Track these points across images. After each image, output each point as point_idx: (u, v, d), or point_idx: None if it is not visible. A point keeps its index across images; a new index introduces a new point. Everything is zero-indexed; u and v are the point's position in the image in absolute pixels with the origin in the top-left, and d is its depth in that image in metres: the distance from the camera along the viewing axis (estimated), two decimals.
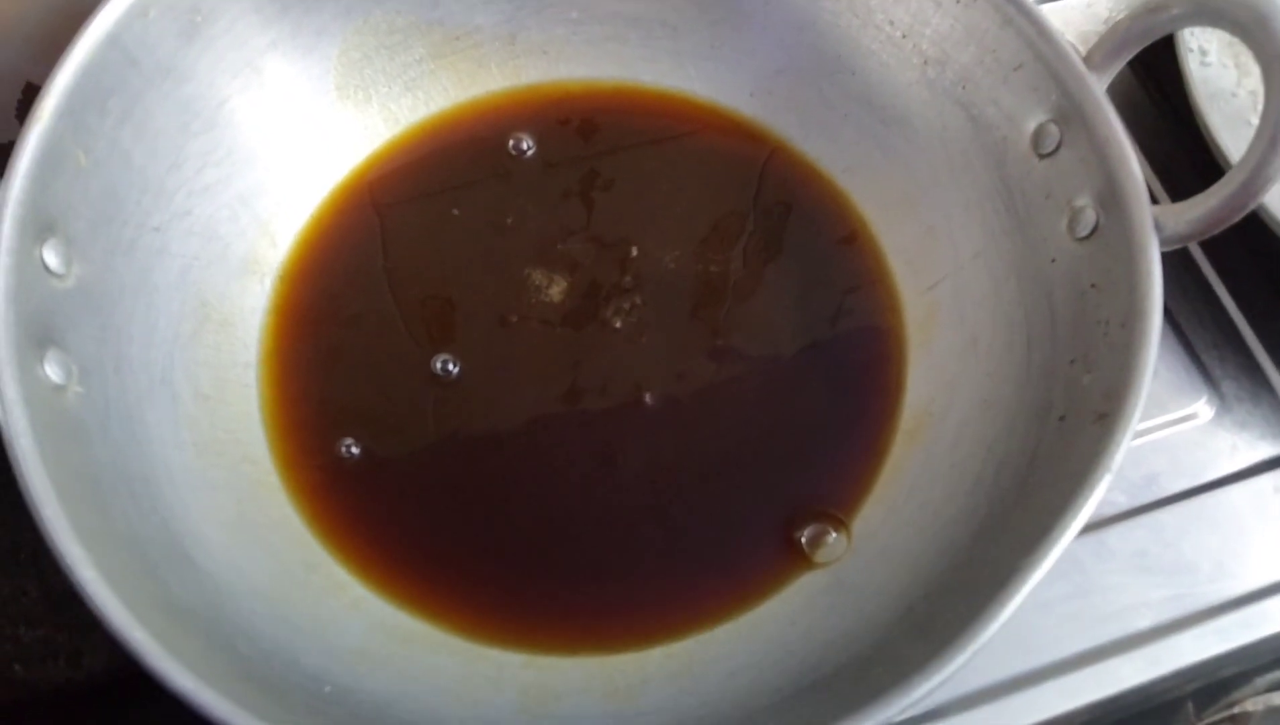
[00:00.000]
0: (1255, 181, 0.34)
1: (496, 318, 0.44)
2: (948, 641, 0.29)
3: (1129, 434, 0.32)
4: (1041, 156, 0.40)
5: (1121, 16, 0.39)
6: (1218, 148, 0.49)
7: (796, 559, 0.40)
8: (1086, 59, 0.39)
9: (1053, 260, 0.39)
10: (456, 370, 0.43)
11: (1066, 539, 0.30)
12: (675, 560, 0.40)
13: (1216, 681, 0.46)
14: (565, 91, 0.48)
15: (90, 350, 0.35)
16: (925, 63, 0.44)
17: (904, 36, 0.44)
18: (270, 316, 0.43)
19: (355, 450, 0.41)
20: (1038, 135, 0.40)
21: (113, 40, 0.37)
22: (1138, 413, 0.33)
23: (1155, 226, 0.36)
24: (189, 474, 0.37)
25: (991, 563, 0.32)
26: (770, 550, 0.40)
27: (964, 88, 0.42)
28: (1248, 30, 0.35)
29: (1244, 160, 0.35)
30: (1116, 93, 0.56)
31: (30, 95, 0.48)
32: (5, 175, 0.34)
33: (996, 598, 0.29)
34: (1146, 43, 0.38)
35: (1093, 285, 0.37)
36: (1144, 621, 0.44)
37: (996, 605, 0.29)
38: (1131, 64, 0.57)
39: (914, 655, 0.29)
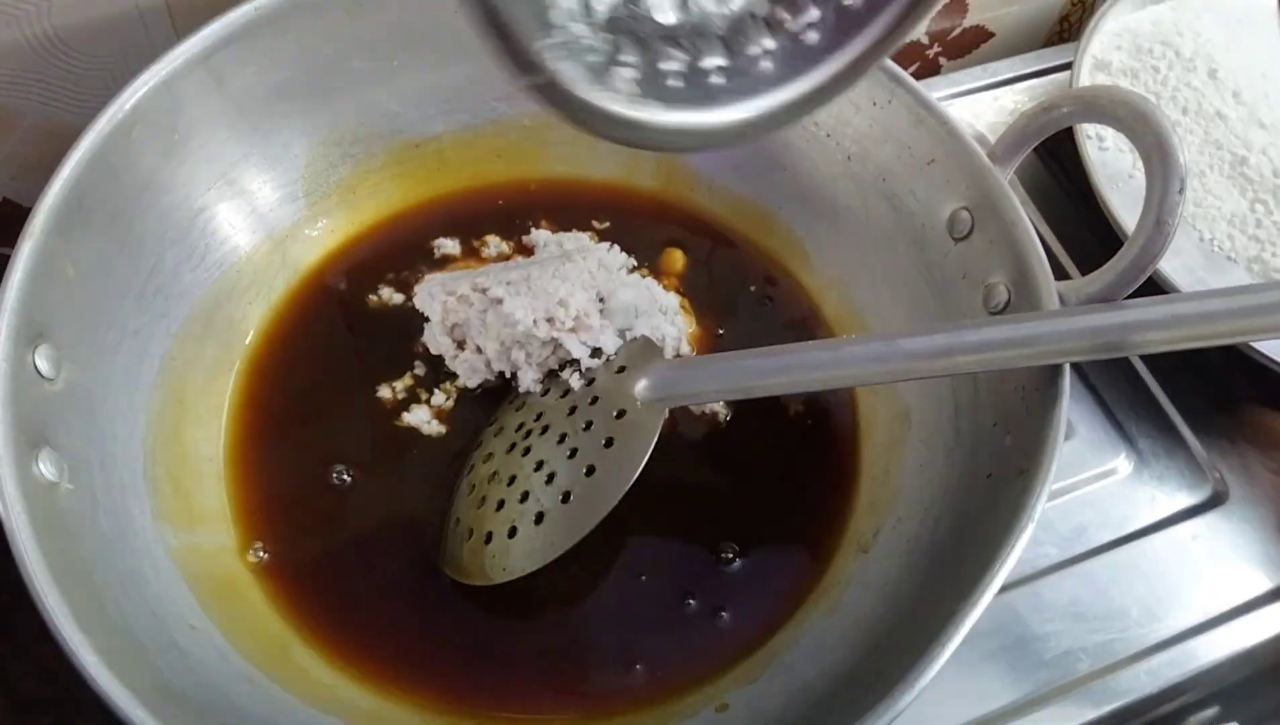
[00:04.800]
0: (1144, 257, 0.39)
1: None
2: (896, 685, 0.32)
3: (1048, 485, 0.35)
4: (957, 240, 0.44)
5: (1019, 116, 0.43)
6: (1117, 224, 0.54)
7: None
8: (991, 153, 0.43)
9: None
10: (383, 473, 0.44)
11: (996, 584, 0.33)
12: (640, 644, 0.42)
13: (1153, 720, 0.49)
14: (522, 186, 0.52)
15: (79, 448, 0.37)
16: (848, 158, 0.48)
17: (828, 136, 0.48)
18: (230, 412, 0.45)
19: (308, 545, 0.42)
20: (952, 221, 0.44)
21: (99, 158, 0.39)
22: (1054, 466, 0.36)
23: (1059, 299, 0.40)
24: (172, 566, 0.39)
25: (933, 612, 0.34)
26: (738, 626, 0.42)
27: (884, 180, 0.47)
28: (1128, 125, 0.39)
29: (1133, 238, 0.39)
30: (1027, 178, 0.62)
31: (7, 210, 0.50)
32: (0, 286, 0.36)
33: (937, 640, 0.32)
34: (1042, 138, 0.43)
35: None
36: (1082, 665, 0.46)
37: (938, 647, 0.32)
38: (1040, 153, 0.63)
39: (867, 699, 0.32)
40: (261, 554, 0.42)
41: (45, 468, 0.35)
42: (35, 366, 0.36)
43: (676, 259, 0.51)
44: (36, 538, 0.32)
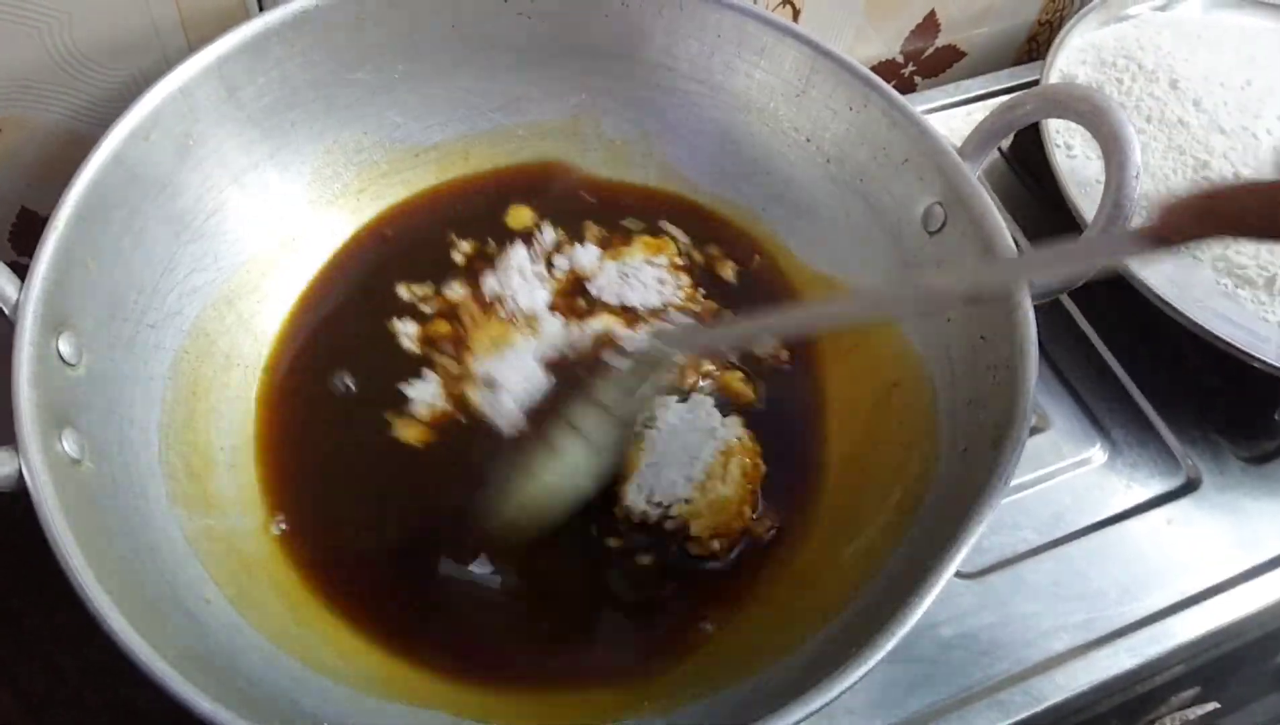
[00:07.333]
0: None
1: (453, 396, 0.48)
2: (872, 639, 0.34)
3: (1018, 454, 0.37)
4: (931, 234, 0.46)
5: (987, 115, 0.46)
6: (1086, 225, 0.56)
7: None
8: (960, 151, 0.46)
9: (948, 320, 0.45)
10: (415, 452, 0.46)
11: (971, 542, 0.35)
12: (639, 613, 0.44)
13: (1135, 699, 0.50)
14: (520, 177, 0.54)
15: (99, 431, 0.39)
16: (828, 161, 0.50)
17: (808, 140, 0.51)
18: (255, 405, 0.47)
19: (328, 532, 0.44)
20: (926, 216, 0.46)
21: (118, 160, 0.41)
22: (1024, 436, 0.38)
23: (1028, 284, 0.42)
24: (186, 544, 0.40)
25: (917, 567, 0.36)
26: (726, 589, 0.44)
27: (861, 180, 0.49)
28: (1087, 119, 0.42)
29: (1093, 224, 0.41)
30: (1000, 186, 0.65)
31: (24, 220, 0.52)
32: (26, 278, 0.38)
33: (915, 593, 0.34)
34: (1009, 134, 0.46)
35: (981, 337, 0.43)
36: (1060, 644, 0.48)
37: (916, 599, 0.34)
38: (1011, 162, 0.66)
39: (844, 656, 0.34)
40: (282, 527, 0.44)
41: (68, 446, 0.36)
42: (59, 352, 0.38)
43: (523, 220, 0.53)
44: (62, 507, 0.34)
